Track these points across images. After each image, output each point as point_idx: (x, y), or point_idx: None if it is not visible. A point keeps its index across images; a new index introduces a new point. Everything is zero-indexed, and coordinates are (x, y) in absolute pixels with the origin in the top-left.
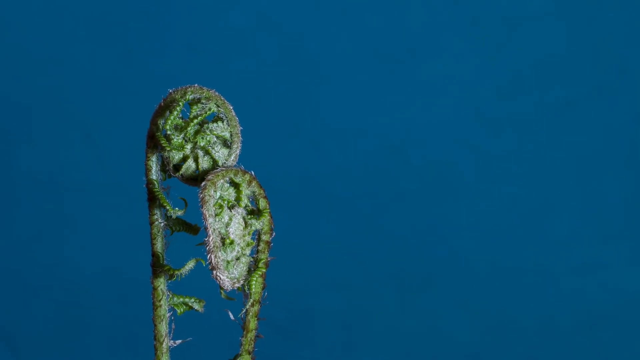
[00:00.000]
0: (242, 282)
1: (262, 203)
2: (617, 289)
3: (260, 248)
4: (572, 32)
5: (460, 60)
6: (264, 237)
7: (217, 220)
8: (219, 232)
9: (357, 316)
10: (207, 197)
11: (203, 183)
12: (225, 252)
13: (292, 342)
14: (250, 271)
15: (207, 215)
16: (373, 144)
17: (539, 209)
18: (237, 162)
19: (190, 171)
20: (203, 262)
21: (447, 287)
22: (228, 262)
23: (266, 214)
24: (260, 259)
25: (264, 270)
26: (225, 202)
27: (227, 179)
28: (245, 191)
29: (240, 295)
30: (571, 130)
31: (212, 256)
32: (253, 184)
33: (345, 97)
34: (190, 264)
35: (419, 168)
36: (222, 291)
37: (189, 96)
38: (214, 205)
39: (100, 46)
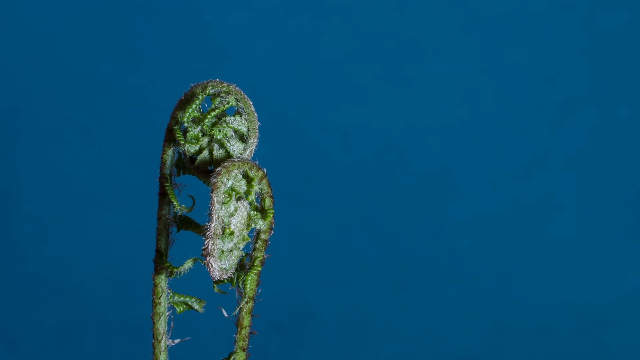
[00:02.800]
0: (230, 274)
1: (268, 202)
2: (617, 289)
3: (257, 246)
4: (572, 32)
5: (460, 60)
6: (263, 236)
7: (223, 208)
8: (222, 220)
9: (357, 316)
10: (219, 184)
11: (218, 169)
12: (223, 241)
13: (292, 342)
14: (242, 266)
15: (215, 201)
16: (373, 144)
17: (539, 209)
18: (252, 158)
19: (204, 162)
20: (201, 261)
21: (447, 287)
22: (222, 251)
23: (271, 214)
24: (257, 257)
25: (259, 268)
26: (234, 192)
27: (242, 170)
28: (256, 187)
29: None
30: (571, 130)
31: (210, 242)
32: (264, 182)
33: (345, 97)
34: (189, 263)
35: (419, 168)
36: (215, 286)
37: (209, 90)
38: (223, 193)
39: (101, 46)
